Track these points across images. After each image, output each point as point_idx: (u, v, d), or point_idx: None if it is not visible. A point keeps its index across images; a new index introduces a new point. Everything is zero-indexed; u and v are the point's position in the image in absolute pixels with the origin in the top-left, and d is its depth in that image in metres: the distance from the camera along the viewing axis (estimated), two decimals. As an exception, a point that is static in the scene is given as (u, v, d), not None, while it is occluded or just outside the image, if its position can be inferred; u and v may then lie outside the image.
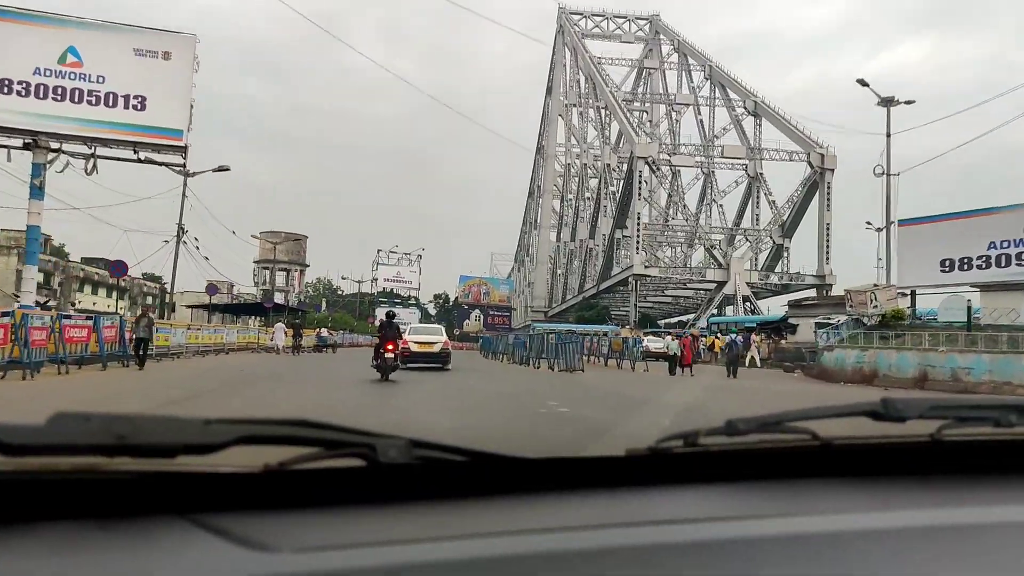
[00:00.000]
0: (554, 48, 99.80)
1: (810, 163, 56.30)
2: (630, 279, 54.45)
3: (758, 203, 66.17)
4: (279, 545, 0.78)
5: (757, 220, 66.13)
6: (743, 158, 62.60)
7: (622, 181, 59.51)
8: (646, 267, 54.46)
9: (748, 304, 53.07)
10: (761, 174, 65.51)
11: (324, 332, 39.99)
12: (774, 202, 63.35)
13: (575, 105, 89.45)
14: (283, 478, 0.90)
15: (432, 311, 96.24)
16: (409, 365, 20.11)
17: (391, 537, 0.82)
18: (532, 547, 0.82)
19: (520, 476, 1.02)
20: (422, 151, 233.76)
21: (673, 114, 79.89)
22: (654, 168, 56.09)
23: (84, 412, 0.79)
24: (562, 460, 1.07)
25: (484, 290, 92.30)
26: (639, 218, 54.09)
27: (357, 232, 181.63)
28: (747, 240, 64.68)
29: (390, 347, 15.82)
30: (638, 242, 53.83)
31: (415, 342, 21.65)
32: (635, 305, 54.12)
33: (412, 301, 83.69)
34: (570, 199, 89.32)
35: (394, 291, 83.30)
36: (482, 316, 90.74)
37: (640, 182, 54.09)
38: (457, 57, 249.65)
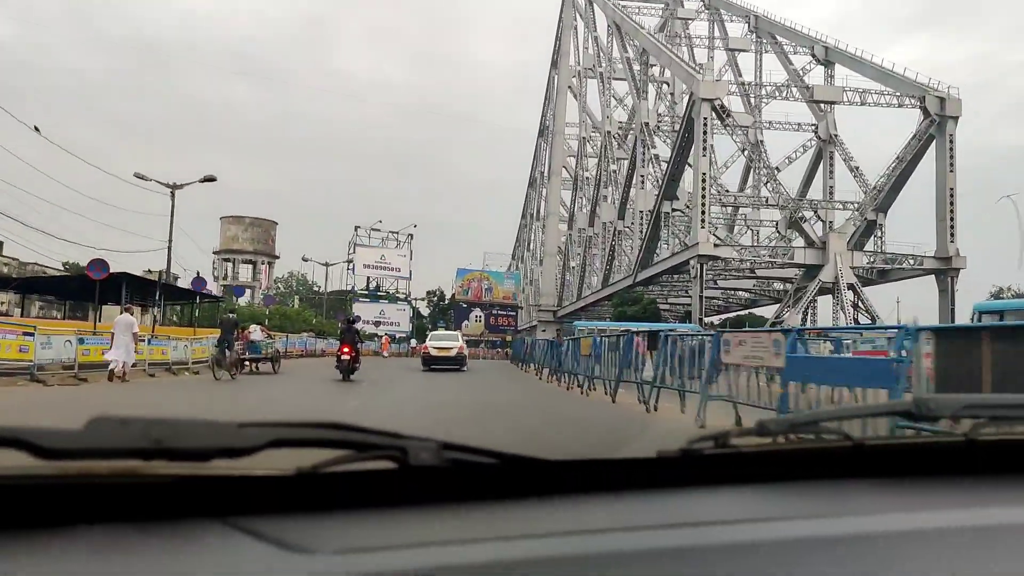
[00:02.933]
0: (561, 10, 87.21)
1: (925, 110, 42.83)
2: (692, 262, 40.99)
3: (832, 172, 53.41)
4: (316, 547, 0.78)
5: (831, 193, 53.22)
6: (839, 101, 49.23)
7: (677, 135, 46.12)
8: (716, 245, 40.98)
9: (853, 294, 39.79)
10: (836, 136, 52.57)
11: (256, 332, 22.54)
12: (858, 168, 50.33)
13: (591, 70, 76.29)
14: (316, 480, 0.90)
15: (425, 310, 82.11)
16: (432, 367, 25.97)
17: (425, 539, 0.83)
18: (563, 549, 0.83)
19: (550, 479, 1.01)
20: (413, 150, 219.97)
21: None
22: (722, 115, 42.55)
23: (122, 416, 0.80)
24: (592, 462, 1.07)
25: (486, 286, 77.57)
26: (703, 180, 40.43)
27: (337, 223, 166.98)
28: (818, 217, 51.67)
29: (346, 349, 18.82)
30: (703, 212, 40.29)
31: (435, 347, 27.09)
32: (700, 297, 40.28)
33: (401, 296, 69.00)
34: (587, 177, 75.75)
35: (378, 283, 68.70)
36: (483, 316, 76.66)
37: (705, 134, 40.57)
38: (447, 59, 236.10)
